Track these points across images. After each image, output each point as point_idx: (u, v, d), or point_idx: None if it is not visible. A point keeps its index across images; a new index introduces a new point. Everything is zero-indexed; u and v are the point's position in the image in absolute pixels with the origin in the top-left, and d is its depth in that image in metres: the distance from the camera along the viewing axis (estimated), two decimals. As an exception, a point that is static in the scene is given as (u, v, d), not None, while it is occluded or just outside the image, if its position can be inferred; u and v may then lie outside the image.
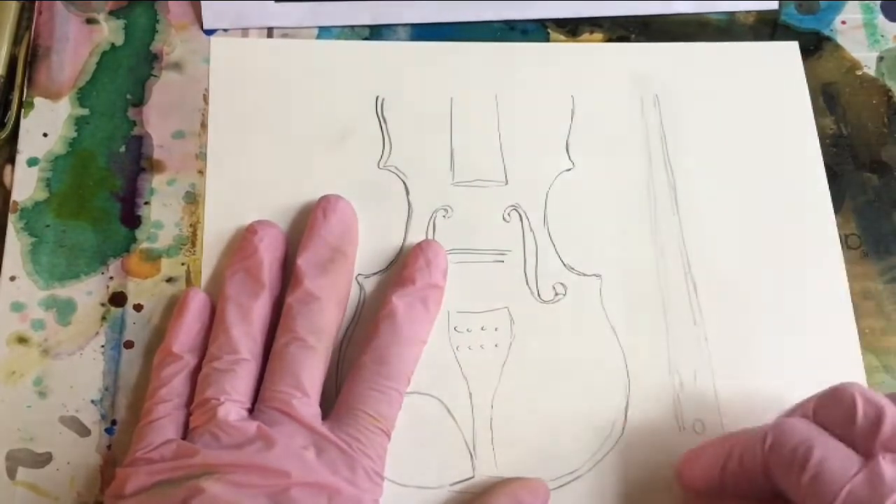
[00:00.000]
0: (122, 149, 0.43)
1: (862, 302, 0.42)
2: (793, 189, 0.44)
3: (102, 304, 0.40)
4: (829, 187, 0.44)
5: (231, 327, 0.37)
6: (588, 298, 0.41)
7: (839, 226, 0.44)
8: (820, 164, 0.45)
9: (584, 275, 0.42)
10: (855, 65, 0.47)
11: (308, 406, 0.36)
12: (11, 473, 0.37)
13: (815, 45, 0.48)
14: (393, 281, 0.40)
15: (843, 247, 0.43)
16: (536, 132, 0.44)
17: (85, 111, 0.43)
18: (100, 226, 0.41)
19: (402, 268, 0.40)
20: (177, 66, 0.45)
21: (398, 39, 0.46)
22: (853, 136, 0.46)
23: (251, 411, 0.36)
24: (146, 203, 0.42)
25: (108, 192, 0.42)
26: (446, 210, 0.42)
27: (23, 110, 0.43)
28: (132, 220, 0.42)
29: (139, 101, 0.44)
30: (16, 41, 0.44)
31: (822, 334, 0.41)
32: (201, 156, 0.43)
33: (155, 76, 0.44)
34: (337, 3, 0.46)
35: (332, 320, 0.38)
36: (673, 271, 0.42)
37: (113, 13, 0.45)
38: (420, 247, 0.40)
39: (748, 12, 0.48)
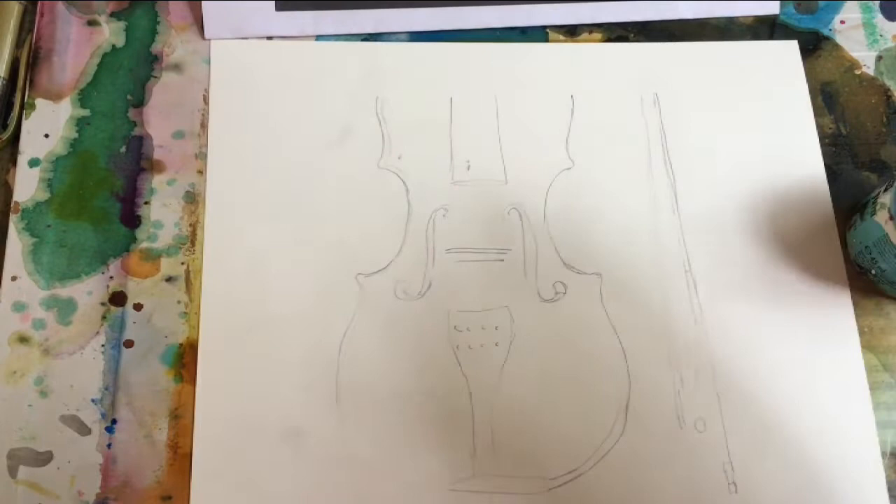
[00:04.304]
0: (123, 149, 0.43)
1: (861, 300, 0.42)
2: (793, 187, 0.44)
3: (102, 304, 0.40)
4: (829, 186, 0.44)
5: None
6: (588, 297, 0.41)
7: (839, 224, 0.44)
8: (820, 163, 0.45)
9: (585, 273, 0.42)
10: (854, 64, 0.47)
11: None
12: (13, 472, 0.37)
13: (813, 45, 0.48)
14: None
15: (842, 245, 0.43)
16: (536, 131, 0.44)
17: (86, 112, 0.44)
18: (100, 226, 0.41)
19: None
20: (177, 67, 0.45)
21: (397, 41, 0.46)
22: (852, 135, 0.46)
23: None
24: (146, 203, 0.42)
25: (108, 192, 0.42)
26: (446, 209, 0.42)
27: (24, 111, 0.43)
28: (132, 219, 0.42)
29: (139, 102, 0.44)
30: (18, 44, 0.45)
31: (822, 332, 0.41)
32: (201, 156, 0.43)
33: (155, 77, 0.45)
34: (338, 11, 0.46)
35: None
36: (673, 270, 0.42)
37: (114, 15, 0.46)
38: None
39: (747, 12, 0.48)
